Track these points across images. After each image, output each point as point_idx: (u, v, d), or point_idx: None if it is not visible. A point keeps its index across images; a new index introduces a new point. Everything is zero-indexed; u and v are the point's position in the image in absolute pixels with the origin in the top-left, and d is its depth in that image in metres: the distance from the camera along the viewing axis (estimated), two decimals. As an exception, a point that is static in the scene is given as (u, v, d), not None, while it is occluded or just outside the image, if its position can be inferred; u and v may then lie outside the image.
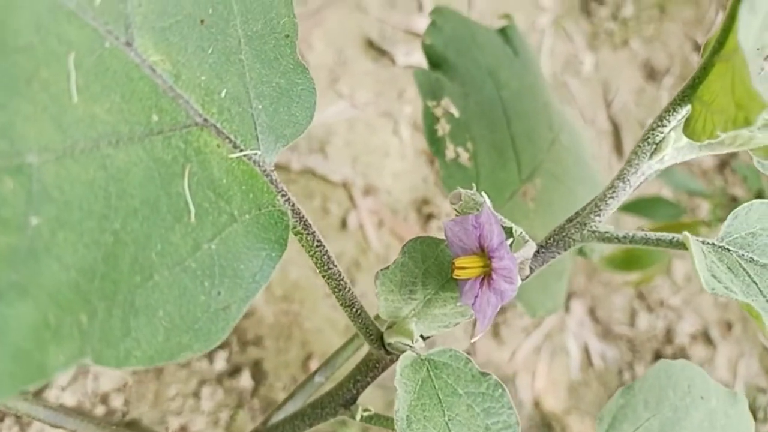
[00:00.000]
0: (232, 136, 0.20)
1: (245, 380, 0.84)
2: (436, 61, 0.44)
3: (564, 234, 0.27)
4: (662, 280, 1.32)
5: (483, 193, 0.24)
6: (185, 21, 0.18)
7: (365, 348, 0.39)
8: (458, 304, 0.26)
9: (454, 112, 0.42)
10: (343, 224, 1.03)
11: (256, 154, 0.20)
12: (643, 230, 0.25)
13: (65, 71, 0.15)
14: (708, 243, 0.24)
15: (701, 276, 0.22)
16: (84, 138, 0.16)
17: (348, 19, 1.06)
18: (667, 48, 1.41)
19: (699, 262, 0.22)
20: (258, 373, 0.86)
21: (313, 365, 0.94)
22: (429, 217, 1.13)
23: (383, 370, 0.30)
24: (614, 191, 0.25)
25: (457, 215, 0.26)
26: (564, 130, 0.51)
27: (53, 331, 0.15)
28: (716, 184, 1.38)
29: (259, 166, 0.21)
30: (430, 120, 0.41)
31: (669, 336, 1.37)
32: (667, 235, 0.25)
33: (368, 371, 0.30)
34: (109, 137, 0.17)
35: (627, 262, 1.05)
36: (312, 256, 0.24)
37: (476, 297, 0.24)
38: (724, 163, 1.45)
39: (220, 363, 0.85)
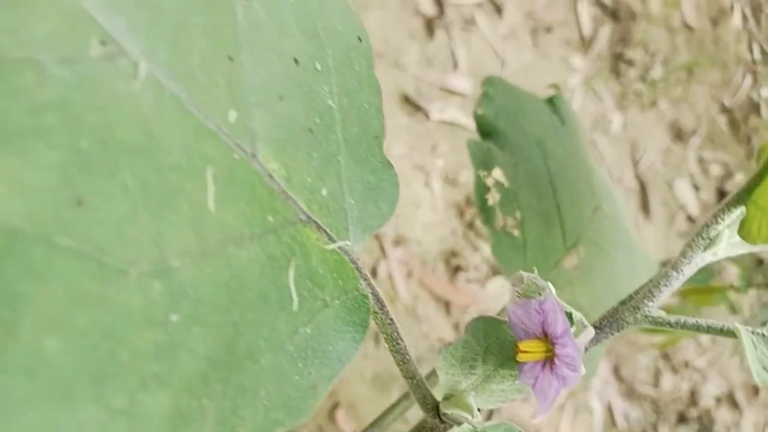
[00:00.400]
0: (328, 230, 0.22)
1: None
2: (486, 131, 0.46)
3: (617, 316, 0.29)
4: (687, 341, 1.31)
5: (549, 284, 0.25)
6: (298, 131, 0.21)
7: (412, 410, 0.40)
8: (517, 382, 0.28)
9: (504, 181, 0.44)
10: (374, 273, 1.04)
11: (347, 244, 0.22)
12: (694, 317, 0.26)
13: (204, 184, 0.18)
14: (757, 333, 0.25)
15: (753, 369, 0.23)
16: (215, 241, 0.18)
17: (386, 75, 1.09)
18: (694, 109, 1.43)
19: (750, 354, 0.23)
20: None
21: (340, 415, 0.94)
22: (457, 269, 1.14)
23: (436, 437, 0.32)
24: (668, 280, 0.27)
25: (518, 297, 0.28)
26: (605, 198, 0.53)
27: (184, 417, 0.17)
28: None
29: (348, 255, 0.23)
30: (481, 189, 0.43)
31: (694, 398, 1.36)
32: (718, 324, 0.26)
33: (422, 438, 0.31)
34: (234, 239, 0.19)
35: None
36: (384, 333, 0.26)
37: (537, 379, 0.26)
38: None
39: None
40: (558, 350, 0.25)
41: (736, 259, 1.11)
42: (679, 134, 1.46)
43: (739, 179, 1.44)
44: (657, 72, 1.43)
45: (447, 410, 0.30)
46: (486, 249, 1.22)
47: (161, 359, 0.16)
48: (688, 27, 1.47)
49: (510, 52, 1.22)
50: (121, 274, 0.16)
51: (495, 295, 1.16)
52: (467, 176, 1.15)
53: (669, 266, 0.27)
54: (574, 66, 1.31)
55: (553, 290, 0.25)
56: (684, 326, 0.27)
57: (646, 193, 1.40)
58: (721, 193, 1.46)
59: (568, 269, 0.47)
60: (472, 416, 0.28)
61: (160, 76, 0.17)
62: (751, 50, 1.56)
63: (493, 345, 0.28)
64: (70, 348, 0.14)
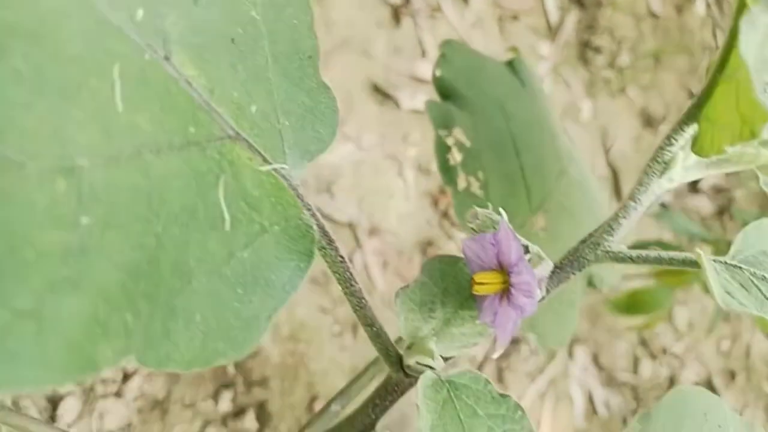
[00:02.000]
0: (261, 150, 0.21)
1: (250, 422, 0.83)
2: (446, 93, 0.45)
3: (578, 254, 0.28)
4: (665, 327, 1.31)
5: (501, 210, 0.24)
6: (218, 39, 0.19)
7: (382, 376, 0.39)
8: (477, 322, 0.27)
9: (465, 142, 0.43)
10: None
11: (283, 168, 0.21)
12: (656, 251, 0.25)
13: (111, 81, 0.16)
14: (720, 261, 0.24)
15: (716, 292, 0.22)
16: (128, 145, 0.17)
17: (354, 64, 1.08)
18: (663, 96, 1.44)
19: (713, 279, 0.23)
20: (263, 414, 0.85)
21: (318, 407, 0.93)
22: (432, 259, 1.13)
23: (402, 393, 0.30)
24: (626, 211, 0.26)
25: (474, 234, 0.27)
26: (571, 162, 0.52)
27: (102, 327, 0.15)
28: (715, 231, 1.38)
29: (286, 180, 0.22)
30: (442, 149, 0.42)
31: (672, 383, 1.36)
32: (680, 254, 0.26)
33: (387, 395, 0.30)
34: (150, 146, 0.17)
35: (631, 305, 1.05)
36: (335, 272, 0.25)
37: (495, 314, 0.25)
38: (723, 210, 1.47)
39: (225, 404, 0.84)
40: (513, 279, 0.24)
41: (708, 240, 1.12)
42: (648, 121, 1.46)
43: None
44: (624, 59, 1.43)
45: (410, 360, 0.29)
46: (461, 238, 1.21)
47: (71, 262, 0.15)
48: (653, 14, 1.48)
49: (477, 40, 1.22)
50: (18, 167, 0.15)
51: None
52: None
53: (626, 197, 0.26)
54: (542, 53, 1.31)
55: (506, 218, 0.24)
56: (646, 260, 0.26)
57: (618, 180, 1.40)
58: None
59: (536, 231, 0.46)
60: (433, 359, 0.26)
61: None
62: (715, 37, 1.57)
63: (451, 286, 0.27)
64: None
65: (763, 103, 0.18)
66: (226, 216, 0.19)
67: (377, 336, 0.28)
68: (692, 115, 0.24)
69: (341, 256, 0.24)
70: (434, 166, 1.16)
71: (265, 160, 0.21)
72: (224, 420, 0.84)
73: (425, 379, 0.27)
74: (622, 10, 1.41)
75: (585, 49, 1.37)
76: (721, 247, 1.15)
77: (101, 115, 0.16)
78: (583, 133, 1.33)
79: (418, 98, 1.13)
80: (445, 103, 0.44)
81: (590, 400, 1.27)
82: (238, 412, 0.85)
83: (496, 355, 0.26)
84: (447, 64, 0.46)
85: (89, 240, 0.16)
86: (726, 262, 0.25)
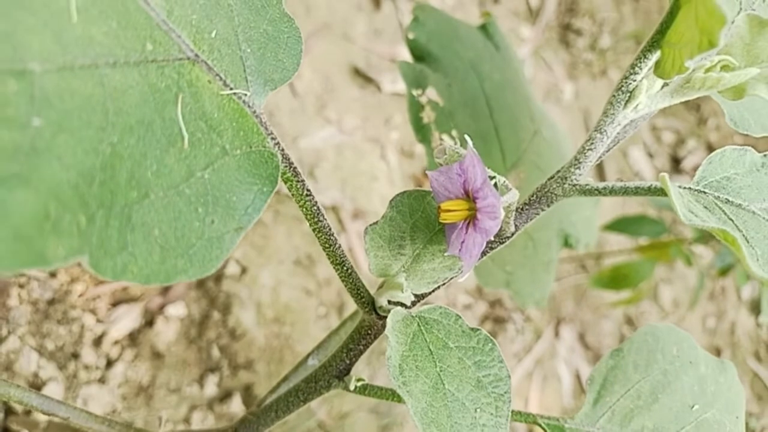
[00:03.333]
0: (222, 75, 0.21)
1: (236, 405, 0.83)
2: (419, 54, 0.45)
3: (546, 190, 0.28)
4: (650, 305, 1.32)
5: (467, 137, 0.24)
6: None
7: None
8: (446, 254, 0.27)
9: (439, 101, 0.43)
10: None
11: (245, 94, 0.21)
12: (620, 180, 0.26)
13: None
14: (685, 187, 0.25)
15: (679, 210, 0.23)
16: (83, 55, 0.17)
17: (335, 48, 1.08)
18: (645, 77, 1.45)
19: (677, 199, 0.23)
20: (249, 398, 0.85)
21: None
22: (417, 243, 1.14)
23: (375, 337, 0.30)
24: (592, 143, 0.26)
25: (441, 166, 0.27)
26: (545, 124, 0.52)
27: (53, 224, 0.15)
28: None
29: (248, 106, 0.22)
30: (415, 108, 0.42)
31: (661, 362, 1.37)
32: (646, 183, 0.26)
33: (361, 339, 0.30)
34: (106, 58, 0.18)
35: (615, 280, 1.06)
36: (302, 206, 0.25)
37: (462, 242, 0.25)
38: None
39: (211, 388, 0.84)
40: (479, 203, 0.24)
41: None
42: (630, 101, 1.47)
43: (692, 146, 1.46)
44: (605, 41, 1.44)
45: (381, 298, 0.29)
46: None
47: (22, 159, 0.16)
48: (632, -4, 1.49)
49: (458, 23, 1.22)
50: None
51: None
52: (422, 149, 1.15)
53: (592, 129, 0.26)
54: (523, 36, 1.31)
55: (471, 144, 0.24)
56: (612, 191, 0.27)
57: (602, 162, 1.41)
58: (675, 160, 1.48)
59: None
60: (402, 292, 0.27)
61: None
62: (695, 17, 1.58)
63: (420, 221, 0.27)
64: None
65: (719, 6, 0.18)
66: (185, 134, 0.19)
67: (348, 275, 0.28)
68: (655, 42, 0.24)
69: (308, 190, 0.24)
70: (417, 149, 1.16)
71: (226, 85, 0.21)
72: (210, 404, 0.84)
73: (395, 314, 0.27)
74: (601, -7, 1.42)
75: (566, 32, 1.38)
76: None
77: (54, 23, 0.17)
78: (565, 114, 1.34)
79: (399, 82, 1.13)
80: (418, 64, 0.44)
81: (577, 378, 1.27)
82: (224, 396, 0.85)
83: (461, 280, 0.26)
84: (420, 27, 0.46)
85: (40, 141, 0.16)
86: (691, 188, 0.25)
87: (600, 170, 1.41)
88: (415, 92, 0.42)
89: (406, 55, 1.14)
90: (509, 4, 1.32)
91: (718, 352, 1.41)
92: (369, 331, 0.30)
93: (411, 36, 0.45)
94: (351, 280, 0.28)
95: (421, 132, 0.42)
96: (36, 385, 0.73)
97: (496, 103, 0.46)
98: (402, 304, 0.28)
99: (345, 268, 0.28)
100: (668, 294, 1.41)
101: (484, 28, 0.50)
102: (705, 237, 1.00)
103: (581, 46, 1.42)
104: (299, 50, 0.23)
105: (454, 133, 0.43)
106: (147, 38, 0.19)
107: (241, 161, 0.21)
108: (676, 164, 1.48)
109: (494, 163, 0.45)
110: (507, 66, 0.50)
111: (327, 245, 0.26)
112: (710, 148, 1.49)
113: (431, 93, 0.43)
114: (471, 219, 0.24)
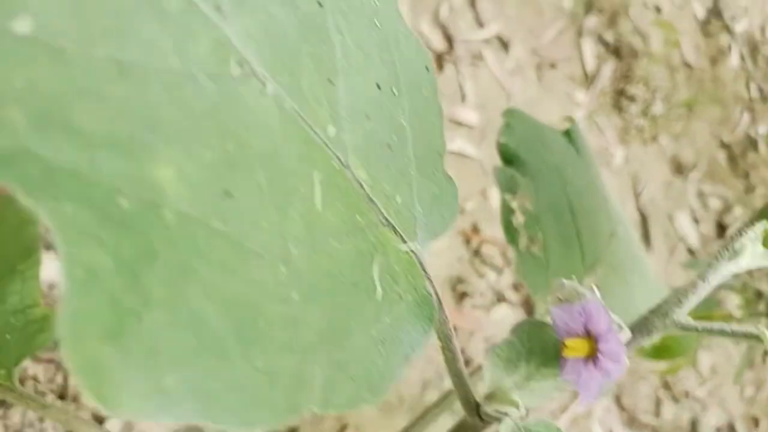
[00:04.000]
0: (402, 233, 0.25)
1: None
2: (509, 158, 0.49)
3: (648, 323, 0.31)
4: (688, 371, 1.33)
5: (593, 287, 0.28)
6: (379, 146, 0.24)
7: (446, 417, 0.43)
8: (558, 379, 0.31)
9: (528, 205, 0.47)
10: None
11: (416, 247, 0.26)
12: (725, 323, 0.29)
13: (312, 186, 0.21)
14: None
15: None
16: (321, 235, 0.21)
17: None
18: (695, 145, 1.47)
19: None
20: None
21: (351, 436, 0.96)
22: (463, 295, 1.17)
23: (476, 435, 0.34)
24: (695, 288, 0.30)
25: (560, 301, 0.31)
26: (619, 224, 0.56)
27: (301, 380, 0.19)
28: (742, 277, 1.41)
29: (416, 256, 0.26)
30: (507, 212, 0.46)
31: (694, 427, 1.37)
32: (742, 328, 0.29)
33: (462, 436, 0.34)
34: (334, 234, 0.22)
35: (658, 351, 1.07)
36: (438, 331, 0.29)
37: (580, 374, 0.28)
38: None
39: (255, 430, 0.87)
40: (602, 346, 0.28)
41: (737, 290, 1.14)
42: (679, 168, 1.50)
43: (738, 213, 1.47)
44: (658, 108, 1.47)
45: (488, 408, 0.33)
46: (491, 276, 1.25)
47: (287, 329, 0.19)
48: (687, 65, 1.52)
49: (516, 87, 1.27)
50: (258, 257, 0.19)
51: (500, 322, 1.18)
52: (473, 205, 1.19)
53: (696, 276, 0.30)
54: (578, 101, 1.35)
55: (598, 294, 0.28)
56: (711, 331, 0.30)
57: (648, 225, 1.43)
58: (721, 226, 1.50)
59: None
60: (518, 410, 0.30)
61: (282, 94, 0.21)
62: (748, 89, 1.61)
63: (536, 346, 0.31)
64: (223, 313, 0.17)
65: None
66: (378, 287, 0.23)
67: (461, 385, 0.32)
68: (764, 214, 0.28)
69: (446, 317, 0.28)
70: (468, 206, 1.20)
71: (404, 240, 0.25)
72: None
73: (505, 426, 0.31)
74: (657, 61, 1.46)
75: (620, 98, 1.41)
76: (749, 294, 1.18)
77: (306, 214, 0.21)
78: (614, 178, 1.37)
79: (456, 141, 1.18)
80: (509, 168, 0.49)
81: (613, 439, 1.28)
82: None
83: (580, 409, 0.29)
84: (509, 132, 0.50)
85: (298, 311, 0.20)
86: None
87: (646, 233, 1.43)
88: (507, 197, 0.46)
89: (464, 117, 1.19)
90: (566, 69, 1.36)
91: (756, 422, 1.41)
92: (470, 430, 0.34)
93: (503, 140, 0.49)
94: (462, 388, 0.32)
95: (511, 234, 0.46)
96: (99, 419, 0.77)
97: (578, 206, 0.50)
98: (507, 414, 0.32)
99: (460, 379, 0.32)
100: (707, 360, 1.42)
101: (567, 133, 0.54)
102: (754, 315, 1.02)
103: (634, 112, 1.46)
104: (456, 207, 0.28)
105: (539, 236, 0.47)
106: (356, 212, 0.23)
107: (410, 305, 0.25)
108: (721, 231, 1.49)
109: (575, 264, 0.49)
110: (587, 170, 0.54)
111: (451, 361, 0.30)
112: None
113: (520, 197, 0.47)
114: (592, 357, 0.28)
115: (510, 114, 0.52)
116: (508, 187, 0.47)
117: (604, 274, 0.51)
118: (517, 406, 0.31)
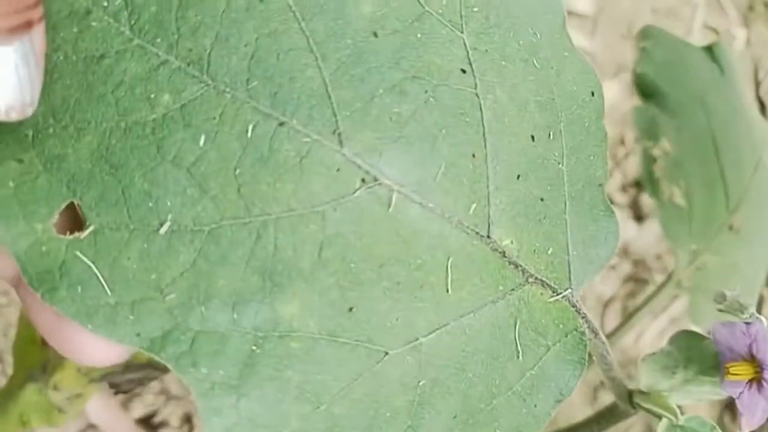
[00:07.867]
0: (552, 284, 0.23)
1: None
2: (647, 91, 0.44)
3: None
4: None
5: (763, 320, 0.25)
6: (531, 203, 0.22)
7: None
8: (717, 390, 0.29)
9: (668, 150, 0.43)
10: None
11: (569, 293, 0.23)
12: None
13: (445, 273, 0.20)
14: None
15: None
16: (453, 316, 0.21)
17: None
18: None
19: None
20: None
21: None
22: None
23: (625, 418, 0.33)
24: None
25: (720, 312, 0.28)
26: (765, 148, 0.50)
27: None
28: None
29: (568, 301, 0.24)
30: (648, 161, 0.42)
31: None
32: None
33: (612, 417, 0.33)
34: (468, 312, 0.21)
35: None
36: (594, 353, 0.27)
37: (742, 394, 0.26)
38: None
39: None
40: (767, 375, 0.25)
41: None
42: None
43: None
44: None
45: (644, 404, 0.32)
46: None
47: (413, 416, 0.20)
48: None
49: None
50: (383, 355, 0.20)
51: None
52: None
53: None
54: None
55: (765, 322, 0.25)
56: None
57: (767, 116, 1.30)
58: None
59: (730, 234, 0.46)
60: (675, 418, 0.29)
61: (411, 194, 0.20)
62: None
63: (695, 355, 0.29)
64: (351, 412, 0.19)
65: None
66: (520, 349, 0.22)
67: (617, 386, 0.31)
68: None
69: (603, 341, 0.27)
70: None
71: (555, 291, 0.23)
72: None
73: (663, 426, 0.30)
74: None
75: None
76: None
77: (436, 301, 0.20)
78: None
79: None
80: (649, 107, 0.44)
81: None
82: None
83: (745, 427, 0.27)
84: (648, 59, 0.44)
85: (424, 396, 0.20)
86: None
87: None
88: (646, 145, 0.42)
89: (576, 5, 1.09)
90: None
91: None
92: (621, 415, 0.33)
93: (639, 70, 0.44)
94: (618, 389, 0.31)
95: (653, 186, 0.42)
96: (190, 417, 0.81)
97: (721, 140, 0.45)
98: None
99: (615, 382, 0.30)
100: None
101: (710, 49, 0.48)
102: None
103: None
104: (616, 243, 0.24)
105: (682, 183, 0.43)
106: (499, 281, 0.21)
107: (559, 352, 0.24)
108: None
109: (719, 209, 0.45)
110: (731, 91, 0.48)
111: (608, 371, 0.29)
112: None
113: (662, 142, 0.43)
114: (757, 382, 0.26)
115: (647, 35, 0.46)
116: (649, 133, 0.43)
117: (749, 213, 0.47)
118: (674, 414, 0.29)
